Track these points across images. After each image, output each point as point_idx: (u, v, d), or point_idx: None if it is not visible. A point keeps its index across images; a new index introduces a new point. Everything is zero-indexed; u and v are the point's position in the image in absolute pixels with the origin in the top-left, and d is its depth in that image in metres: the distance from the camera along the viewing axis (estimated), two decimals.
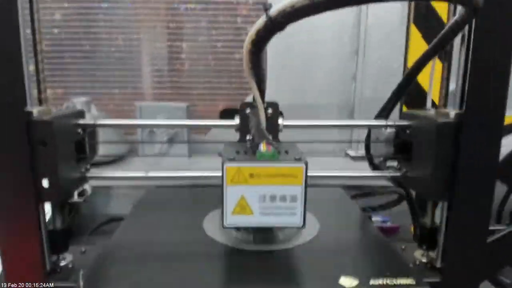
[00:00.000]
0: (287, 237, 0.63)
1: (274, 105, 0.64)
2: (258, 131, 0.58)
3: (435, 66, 0.65)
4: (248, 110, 0.63)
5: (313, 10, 0.42)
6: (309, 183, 1.04)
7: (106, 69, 1.36)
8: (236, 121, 0.64)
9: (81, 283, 0.50)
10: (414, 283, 0.50)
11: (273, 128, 0.63)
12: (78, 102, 1.09)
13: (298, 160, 0.54)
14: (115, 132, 1.22)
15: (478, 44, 0.53)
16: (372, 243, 0.65)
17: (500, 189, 0.77)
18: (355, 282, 0.50)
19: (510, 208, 0.74)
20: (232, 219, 0.56)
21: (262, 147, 0.55)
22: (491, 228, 0.66)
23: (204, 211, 0.74)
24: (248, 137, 0.63)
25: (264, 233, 0.63)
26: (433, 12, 1.09)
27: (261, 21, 0.45)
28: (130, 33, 1.36)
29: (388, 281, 0.50)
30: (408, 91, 0.82)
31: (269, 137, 0.57)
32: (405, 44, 1.09)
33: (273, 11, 0.43)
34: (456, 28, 0.53)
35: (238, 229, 0.64)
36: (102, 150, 0.70)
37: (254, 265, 0.56)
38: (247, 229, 0.63)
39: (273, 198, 0.55)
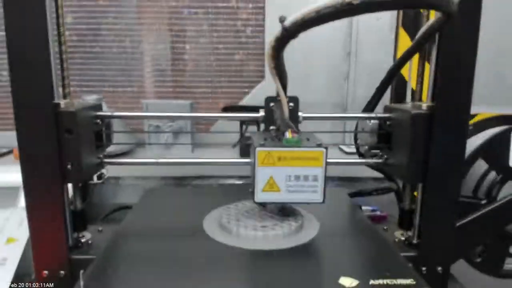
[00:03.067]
0: (287, 237, 0.65)
1: (295, 99, 0.72)
2: (283, 121, 0.66)
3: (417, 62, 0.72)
4: (272, 104, 0.71)
5: (320, 21, 0.50)
6: None
7: (114, 69, 1.43)
8: (261, 113, 0.73)
9: (81, 283, 0.50)
10: (414, 283, 0.50)
11: (294, 119, 0.71)
12: (90, 100, 1.16)
13: (319, 145, 0.63)
14: (124, 129, 1.30)
15: (446, 44, 0.61)
16: (372, 243, 0.66)
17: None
18: (355, 282, 0.50)
19: (487, 185, 0.80)
20: (263, 196, 0.63)
21: (288, 134, 0.64)
22: (466, 200, 0.73)
23: (204, 211, 0.75)
24: (271, 127, 0.71)
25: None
26: (420, 16, 1.16)
27: (279, 31, 0.53)
28: (136, 35, 1.43)
29: (388, 281, 0.51)
30: (398, 88, 0.90)
31: (293, 126, 0.66)
32: (394, 46, 1.16)
33: (287, 22, 0.51)
34: (431, 31, 0.60)
35: (263, 205, 0.70)
36: (112, 148, 0.77)
37: (253, 264, 0.58)
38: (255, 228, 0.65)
39: (297, 177, 0.63)
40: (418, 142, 0.63)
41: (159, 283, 0.53)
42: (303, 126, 0.75)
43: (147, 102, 1.31)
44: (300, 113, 0.72)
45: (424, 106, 0.63)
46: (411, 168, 0.64)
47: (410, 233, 0.71)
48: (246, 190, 0.69)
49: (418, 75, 0.69)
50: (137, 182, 1.20)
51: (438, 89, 0.62)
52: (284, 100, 0.65)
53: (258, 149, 0.61)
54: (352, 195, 1.00)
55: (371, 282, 0.50)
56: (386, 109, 0.74)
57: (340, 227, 0.76)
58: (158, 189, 1.06)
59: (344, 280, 0.51)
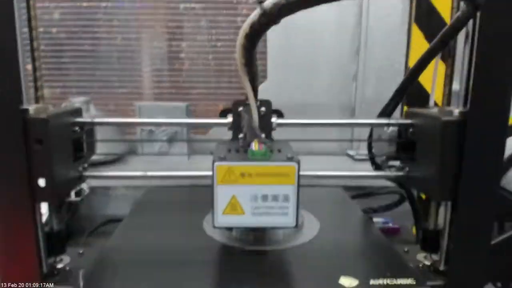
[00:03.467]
0: (287, 237, 0.63)
1: (267, 103, 0.63)
2: (250, 130, 0.57)
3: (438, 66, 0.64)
4: (241, 108, 0.62)
5: (306, 3, 0.42)
6: (310, 183, 1.03)
7: (105, 69, 1.36)
8: (229, 119, 0.63)
9: (81, 283, 0.49)
10: (414, 283, 0.50)
11: (266, 126, 0.62)
12: (77, 102, 1.09)
13: (290, 159, 0.54)
14: (115, 133, 1.21)
15: (483, 41, 0.52)
16: (372, 243, 0.65)
17: None
18: (355, 282, 0.50)
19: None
20: (223, 219, 0.55)
21: (254, 145, 0.54)
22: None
23: (203, 211, 0.74)
24: (240, 135, 0.62)
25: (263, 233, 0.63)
26: (434, 11, 1.08)
27: (255, 14, 0.44)
28: (129, 32, 1.36)
29: (388, 281, 0.50)
30: (409, 91, 0.82)
31: (261, 135, 0.56)
32: (406, 44, 1.08)
33: (267, 4, 0.43)
34: (458, 25, 0.53)
35: (229, 229, 0.64)
36: (101, 150, 0.70)
37: (254, 264, 0.56)
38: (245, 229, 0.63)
39: (265, 197, 0.54)
40: (449, 153, 0.55)
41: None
42: (308, 132, 0.67)
43: (140, 105, 1.23)
44: (273, 119, 0.63)
45: (456, 112, 0.55)
46: (442, 182, 0.56)
47: (435, 257, 0.63)
48: None
49: (446, 78, 0.60)
50: (127, 192, 1.12)
51: (474, 93, 0.53)
52: (253, 105, 0.56)
53: (216, 163, 0.53)
54: (357, 196, 1.01)
55: (371, 282, 0.50)
56: (408, 115, 0.65)
57: (341, 227, 0.74)
58: (158, 189, 1.00)
59: (344, 280, 0.50)
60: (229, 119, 0.63)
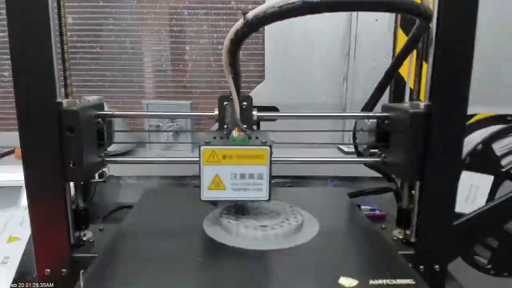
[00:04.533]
0: (286, 237, 0.65)
1: (248, 99, 0.72)
2: (232, 120, 0.67)
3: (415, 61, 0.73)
4: (225, 103, 0.72)
5: (281, 16, 0.50)
6: (303, 173, 1.09)
7: (115, 70, 1.44)
8: (215, 112, 0.73)
9: (81, 283, 0.50)
10: (414, 283, 0.50)
11: (248, 119, 0.71)
12: (91, 100, 1.17)
13: (264, 143, 0.63)
14: (125, 128, 1.30)
15: (443, 43, 0.62)
16: (372, 244, 0.66)
17: None
18: (354, 282, 0.50)
19: None
20: (208, 194, 0.64)
21: (234, 132, 0.65)
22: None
23: (203, 212, 0.75)
24: (225, 126, 0.72)
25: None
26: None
27: (239, 23, 0.53)
28: (137, 36, 1.43)
29: (387, 281, 0.50)
30: (396, 88, 0.91)
31: (241, 125, 0.67)
32: (392, 47, 1.17)
33: (249, 15, 0.51)
34: (419, 33, 0.62)
35: (214, 203, 0.69)
36: (113, 148, 0.77)
37: (253, 264, 0.57)
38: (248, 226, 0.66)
39: (242, 176, 0.63)
40: (416, 141, 0.64)
41: (158, 282, 0.53)
42: (300, 126, 0.76)
43: (147, 103, 1.32)
44: (254, 113, 0.72)
45: (422, 105, 0.64)
46: (409, 165, 0.65)
47: (408, 232, 0.72)
48: None
49: (416, 75, 0.70)
50: (137, 182, 1.21)
51: (435, 88, 0.63)
52: (236, 99, 0.66)
53: (202, 147, 0.62)
54: (352, 195, 1.02)
55: (371, 282, 0.50)
56: (384, 109, 0.74)
57: (340, 227, 0.75)
58: (158, 189, 1.07)
59: (343, 280, 0.51)
60: (216, 112, 0.73)
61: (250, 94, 1.47)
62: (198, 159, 0.63)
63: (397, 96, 0.90)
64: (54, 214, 0.64)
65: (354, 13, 1.32)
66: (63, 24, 0.65)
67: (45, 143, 0.61)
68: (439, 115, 0.63)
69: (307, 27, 1.35)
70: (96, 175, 0.70)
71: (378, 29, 1.33)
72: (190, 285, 0.54)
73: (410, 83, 0.77)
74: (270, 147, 0.63)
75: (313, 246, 0.63)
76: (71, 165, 0.62)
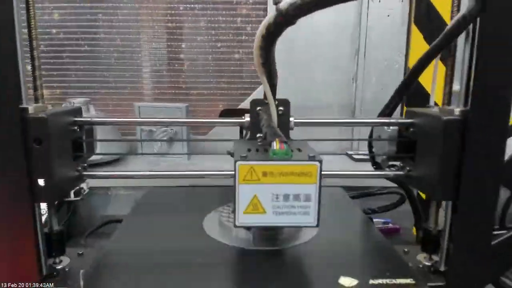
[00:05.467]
0: (286, 237, 0.63)
1: (285, 102, 0.63)
2: (270, 129, 0.57)
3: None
4: (258, 108, 0.63)
5: (323, 3, 0.42)
6: None
7: (105, 70, 1.36)
8: (247, 118, 0.63)
9: (81, 283, 0.50)
10: (413, 283, 0.50)
11: (285, 125, 0.62)
12: (77, 102, 1.08)
13: (312, 158, 0.53)
14: (114, 135, 1.21)
15: (483, 41, 0.52)
16: (372, 242, 0.66)
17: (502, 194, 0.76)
18: (354, 282, 0.50)
19: None
20: (245, 218, 0.54)
21: (275, 145, 0.54)
22: (494, 233, 0.65)
23: (203, 212, 0.74)
24: (258, 134, 0.62)
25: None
26: (434, 12, 1.08)
27: (271, 15, 0.44)
28: (128, 33, 1.35)
29: (387, 280, 0.50)
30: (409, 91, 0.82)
31: (282, 135, 0.56)
32: (406, 45, 1.08)
33: (283, 5, 0.43)
34: (463, 23, 0.52)
35: (248, 228, 0.63)
36: (101, 151, 0.70)
37: (253, 264, 0.57)
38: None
39: (286, 197, 0.53)
40: (451, 152, 0.54)
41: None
42: (303, 132, 0.67)
43: (139, 105, 1.23)
44: (291, 119, 0.63)
45: (457, 110, 0.54)
46: (443, 182, 0.55)
47: (436, 258, 0.62)
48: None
49: (446, 78, 0.60)
50: (127, 192, 1.12)
51: (474, 91, 0.53)
52: (272, 104, 0.57)
53: (239, 163, 0.52)
54: (357, 196, 1.01)
55: (371, 281, 0.50)
56: (408, 114, 0.65)
57: (340, 226, 0.73)
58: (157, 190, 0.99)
59: (344, 280, 0.50)
60: (247, 118, 0.63)
61: (252, 95, 1.39)
62: (192, 173, 0.56)
63: (413, 100, 0.81)
64: (21, 240, 0.55)
65: (364, 9, 1.24)
66: (32, 16, 0.56)
67: (8, 156, 0.52)
68: (478, 123, 0.53)
69: (313, 24, 1.27)
70: (72, 193, 0.60)
71: (389, 25, 1.24)
72: (190, 284, 0.53)
73: (435, 86, 0.68)
74: (320, 162, 0.52)
75: (313, 246, 0.62)
76: (40, 183, 0.53)
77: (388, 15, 1.25)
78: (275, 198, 0.53)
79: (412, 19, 1.09)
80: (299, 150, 0.57)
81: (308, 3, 0.42)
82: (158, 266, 0.56)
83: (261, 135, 0.61)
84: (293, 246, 0.61)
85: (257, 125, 0.62)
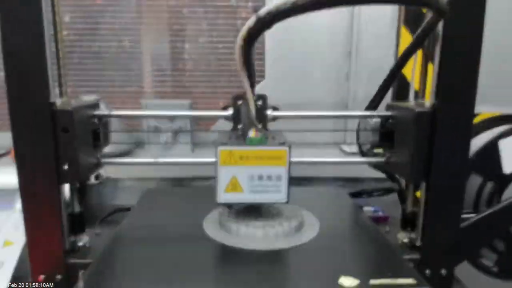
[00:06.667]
0: (286, 237, 0.64)
1: (263, 97, 0.70)
2: (248, 120, 0.65)
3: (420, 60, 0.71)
4: (240, 102, 0.70)
5: (294, 12, 0.49)
6: (304, 174, 1.07)
7: (113, 69, 1.42)
8: (230, 111, 0.71)
9: (81, 283, 0.50)
10: (414, 283, 0.50)
11: (262, 117, 0.70)
12: (88, 99, 1.15)
13: (283, 144, 0.62)
14: (123, 129, 1.28)
15: (450, 42, 0.60)
16: (373, 243, 0.66)
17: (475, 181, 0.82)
18: (355, 282, 0.50)
19: (486, 197, 0.79)
20: (225, 196, 0.62)
21: (252, 133, 0.63)
22: (467, 216, 0.72)
23: (204, 211, 0.75)
24: (239, 126, 0.70)
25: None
26: (422, 15, 1.15)
27: (251, 20, 0.51)
28: (134, 34, 1.41)
29: (388, 281, 0.50)
30: (400, 87, 0.89)
31: (258, 125, 0.65)
32: (395, 45, 1.14)
33: (261, 12, 0.50)
34: (427, 30, 0.60)
35: (229, 206, 0.68)
36: (110, 148, 0.76)
37: (253, 264, 0.57)
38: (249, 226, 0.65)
39: (260, 177, 0.62)
40: (421, 140, 0.62)
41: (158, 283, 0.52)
42: (300, 125, 0.74)
43: (146, 102, 1.30)
44: (269, 112, 0.71)
45: (427, 104, 0.62)
46: (414, 165, 0.63)
47: (413, 235, 0.70)
48: None
49: (421, 74, 0.68)
50: (135, 184, 1.19)
51: (442, 87, 0.61)
52: (251, 98, 0.64)
53: (219, 148, 0.61)
54: (354, 195, 1.00)
55: (371, 282, 0.50)
56: (388, 108, 0.72)
57: (341, 226, 0.74)
58: (156, 190, 1.05)
59: (344, 280, 0.50)
60: (230, 111, 0.71)
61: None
62: (197, 160, 0.62)
63: (401, 95, 0.88)
64: (48, 218, 0.62)
65: (357, 10, 1.30)
66: (58, 21, 0.63)
67: (39, 144, 0.59)
68: (446, 114, 0.61)
69: (308, 25, 1.33)
70: (92, 177, 0.68)
71: (381, 26, 1.30)
72: (189, 284, 0.53)
73: (414, 82, 0.75)
74: (289, 147, 0.61)
75: (314, 246, 0.63)
76: (66, 167, 0.60)
77: (380, 17, 1.30)
78: (251, 178, 0.62)
79: (402, 21, 1.15)
80: (273, 138, 0.65)
81: (280, 12, 0.49)
82: (157, 266, 0.56)
83: (242, 126, 0.70)
84: (293, 246, 0.62)
85: (238, 117, 0.70)
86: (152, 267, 0.55)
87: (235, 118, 0.71)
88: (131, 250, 0.63)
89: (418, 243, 0.68)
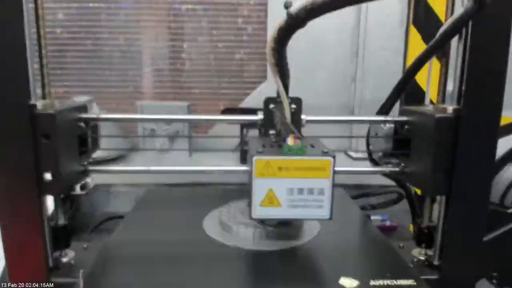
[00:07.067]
0: (286, 237, 0.62)
1: (297, 100, 0.65)
2: (284, 126, 0.59)
3: (433, 65, 0.66)
4: (271, 105, 0.64)
5: (331, 6, 0.45)
6: None
7: (108, 69, 1.38)
8: (260, 116, 0.65)
9: (81, 283, 0.50)
10: (414, 283, 0.49)
11: (297, 123, 0.64)
12: (80, 100, 1.10)
13: (326, 153, 0.55)
14: (117, 133, 1.23)
15: (476, 42, 0.54)
16: (373, 243, 0.65)
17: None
18: (355, 282, 0.50)
19: None
20: (261, 211, 0.56)
21: (290, 140, 0.56)
22: (492, 207, 0.67)
23: (204, 211, 0.74)
24: (271, 131, 0.65)
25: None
26: (432, 13, 1.10)
27: (283, 19, 0.47)
28: (131, 33, 1.37)
29: (388, 282, 0.50)
30: (406, 90, 0.83)
31: (296, 131, 0.58)
32: (404, 45, 1.10)
33: (293, 9, 0.46)
34: (460, 24, 0.54)
35: (262, 222, 0.64)
36: (102, 153, 0.71)
37: (253, 265, 0.56)
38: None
39: (300, 190, 0.56)
40: (443, 149, 0.56)
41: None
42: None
43: (142, 104, 1.25)
44: (303, 116, 0.66)
45: (450, 109, 0.56)
46: (436, 178, 0.57)
47: (430, 252, 0.64)
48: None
49: (441, 77, 0.62)
50: (129, 190, 1.14)
51: (466, 90, 0.55)
52: (285, 102, 0.59)
53: (255, 157, 0.55)
54: (357, 196, 1.01)
55: (372, 282, 0.49)
56: (403, 112, 0.67)
57: (341, 227, 0.72)
58: (157, 190, 1.01)
59: (344, 281, 0.50)
60: (260, 116, 0.65)
61: (251, 95, 1.40)
62: (194, 169, 0.57)
63: (411, 99, 0.83)
64: (29, 233, 0.57)
65: (363, 10, 1.26)
66: (40, 16, 0.58)
67: (17, 151, 0.54)
68: (470, 120, 0.55)
69: (312, 26, 1.28)
70: (77, 187, 0.62)
71: (388, 26, 1.26)
72: (189, 284, 0.52)
73: (430, 85, 0.70)
74: (334, 157, 0.55)
75: (314, 246, 0.61)
76: (47, 176, 0.54)
77: (387, 16, 1.26)
78: (290, 191, 0.56)
79: (411, 20, 1.10)
80: (312, 146, 0.59)
81: (316, 6, 0.45)
82: (156, 266, 0.56)
83: (274, 132, 0.64)
84: (294, 247, 0.61)
85: (269, 122, 0.64)
86: (152, 266, 0.55)
87: (267, 124, 0.65)
88: (130, 249, 0.62)
89: (436, 262, 0.62)
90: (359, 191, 1.12)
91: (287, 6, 0.45)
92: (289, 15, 0.46)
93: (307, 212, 0.56)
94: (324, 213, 0.56)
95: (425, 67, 0.67)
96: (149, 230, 0.68)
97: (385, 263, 0.56)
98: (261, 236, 0.61)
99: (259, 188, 0.56)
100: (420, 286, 0.49)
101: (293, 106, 0.64)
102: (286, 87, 0.58)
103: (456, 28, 0.55)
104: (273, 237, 0.61)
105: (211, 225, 0.67)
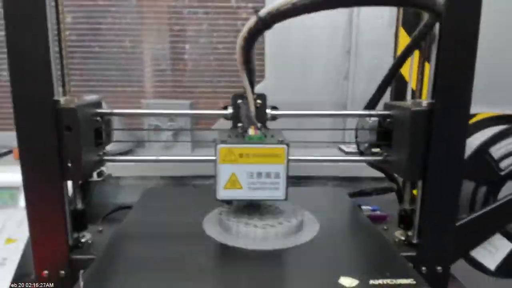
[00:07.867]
0: (286, 237, 0.64)
1: (262, 96, 0.72)
2: (247, 118, 0.66)
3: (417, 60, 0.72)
4: (239, 101, 0.71)
5: (295, 12, 0.51)
6: (304, 173, 1.08)
7: (114, 69, 1.43)
8: (229, 110, 0.72)
9: (81, 283, 0.50)
10: (414, 283, 0.50)
11: (262, 116, 0.71)
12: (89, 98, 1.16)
13: (281, 142, 0.63)
14: (123, 132, 1.29)
15: (446, 42, 0.61)
16: (373, 243, 0.66)
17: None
18: (355, 282, 0.50)
19: (481, 200, 0.80)
20: (224, 193, 0.63)
21: (251, 131, 0.64)
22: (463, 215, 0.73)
23: (204, 210, 0.75)
24: (239, 124, 0.71)
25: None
26: (420, 16, 1.16)
27: (252, 21, 0.53)
28: (136, 35, 1.43)
29: (388, 281, 0.50)
30: (398, 86, 0.90)
31: (257, 123, 0.66)
32: (393, 46, 1.15)
33: (262, 12, 0.51)
34: (424, 31, 0.61)
35: (228, 202, 0.70)
36: (111, 147, 0.77)
37: (252, 264, 0.57)
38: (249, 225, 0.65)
39: (259, 174, 0.63)
40: (418, 139, 0.63)
41: (158, 283, 0.52)
42: (300, 125, 0.75)
43: (147, 102, 1.31)
44: (268, 110, 0.72)
45: (424, 103, 0.63)
46: (410, 164, 0.64)
47: (410, 233, 0.71)
48: None
49: (418, 74, 0.69)
50: (136, 182, 1.20)
51: (438, 86, 0.62)
52: (250, 97, 0.65)
53: (219, 146, 0.62)
54: (353, 195, 1.01)
55: (371, 282, 0.50)
56: (386, 107, 0.74)
57: (340, 226, 0.75)
58: (157, 189, 1.06)
59: (344, 280, 0.50)
60: (229, 110, 0.72)
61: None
62: (198, 158, 0.63)
63: (399, 95, 0.90)
64: (52, 215, 0.63)
65: (356, 10, 1.32)
66: (61, 21, 0.64)
67: (43, 142, 0.60)
68: (442, 113, 0.62)
69: (307, 25, 1.34)
70: (95, 174, 0.69)
71: (379, 26, 1.32)
72: (189, 284, 0.53)
73: (412, 82, 0.76)
74: (287, 145, 0.62)
75: (314, 246, 0.63)
76: (69, 164, 0.61)
77: (379, 18, 1.32)
78: (250, 175, 0.63)
79: (400, 22, 1.16)
80: (272, 136, 0.66)
81: (281, 12, 0.50)
82: (156, 266, 0.56)
83: (241, 124, 0.71)
84: (293, 246, 0.62)
85: (237, 116, 0.72)
86: (153, 265, 0.56)
87: (235, 117, 0.72)
88: (131, 249, 0.63)
89: (414, 241, 0.69)
90: (354, 188, 1.15)
91: (257, 10, 0.52)
92: (258, 18, 0.52)
93: (265, 193, 0.64)
94: (280, 194, 0.64)
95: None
96: (149, 231, 0.70)
97: (385, 263, 0.58)
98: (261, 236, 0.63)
99: (223, 173, 0.62)
100: (420, 285, 0.50)
101: (259, 101, 0.71)
102: (252, 83, 0.64)
103: (422, 34, 0.63)
104: (272, 236, 0.63)
105: (211, 225, 0.69)
